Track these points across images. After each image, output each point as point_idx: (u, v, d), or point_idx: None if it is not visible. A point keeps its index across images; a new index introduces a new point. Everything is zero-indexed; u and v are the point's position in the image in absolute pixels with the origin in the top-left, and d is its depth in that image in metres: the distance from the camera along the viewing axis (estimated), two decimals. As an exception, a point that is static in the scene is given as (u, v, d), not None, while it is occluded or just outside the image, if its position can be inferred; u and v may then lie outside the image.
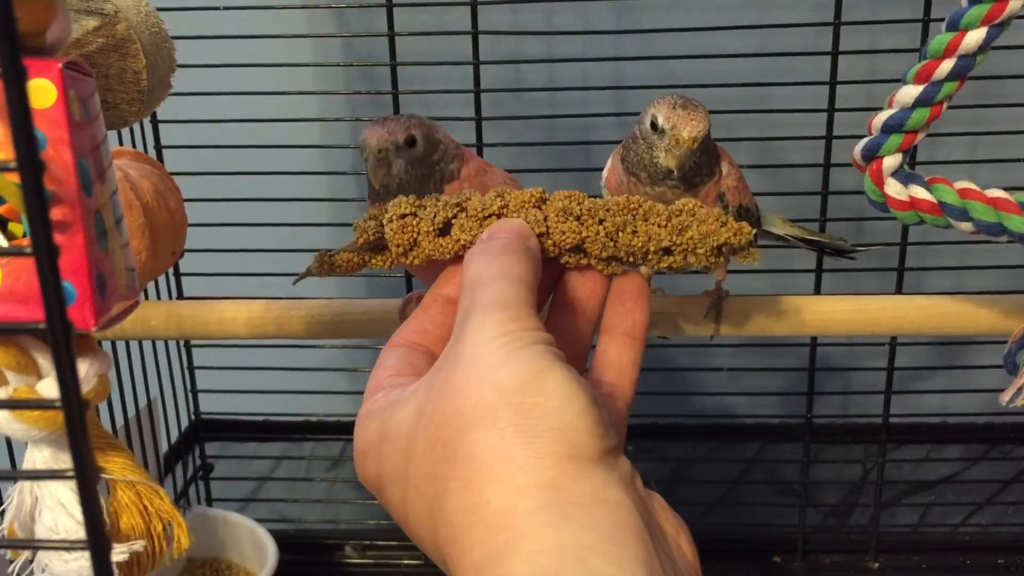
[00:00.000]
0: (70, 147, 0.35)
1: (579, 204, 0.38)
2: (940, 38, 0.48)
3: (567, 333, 0.38)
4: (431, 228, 0.39)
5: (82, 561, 0.37)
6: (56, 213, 0.36)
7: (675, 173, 0.57)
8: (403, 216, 0.39)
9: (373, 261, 0.41)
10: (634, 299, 0.38)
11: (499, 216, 0.38)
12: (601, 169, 0.80)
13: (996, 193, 0.50)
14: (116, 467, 0.40)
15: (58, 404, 0.26)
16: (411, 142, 0.55)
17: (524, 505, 0.28)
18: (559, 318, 0.38)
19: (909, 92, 0.49)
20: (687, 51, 0.84)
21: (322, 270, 0.42)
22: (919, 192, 0.51)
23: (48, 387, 0.37)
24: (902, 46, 0.82)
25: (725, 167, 0.61)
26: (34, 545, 0.34)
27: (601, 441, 0.30)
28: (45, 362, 0.38)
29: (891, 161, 0.51)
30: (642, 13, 0.92)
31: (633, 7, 0.92)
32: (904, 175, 0.51)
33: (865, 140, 0.51)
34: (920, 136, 0.51)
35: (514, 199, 0.38)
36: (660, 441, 0.98)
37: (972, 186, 0.51)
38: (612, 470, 0.30)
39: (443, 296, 0.38)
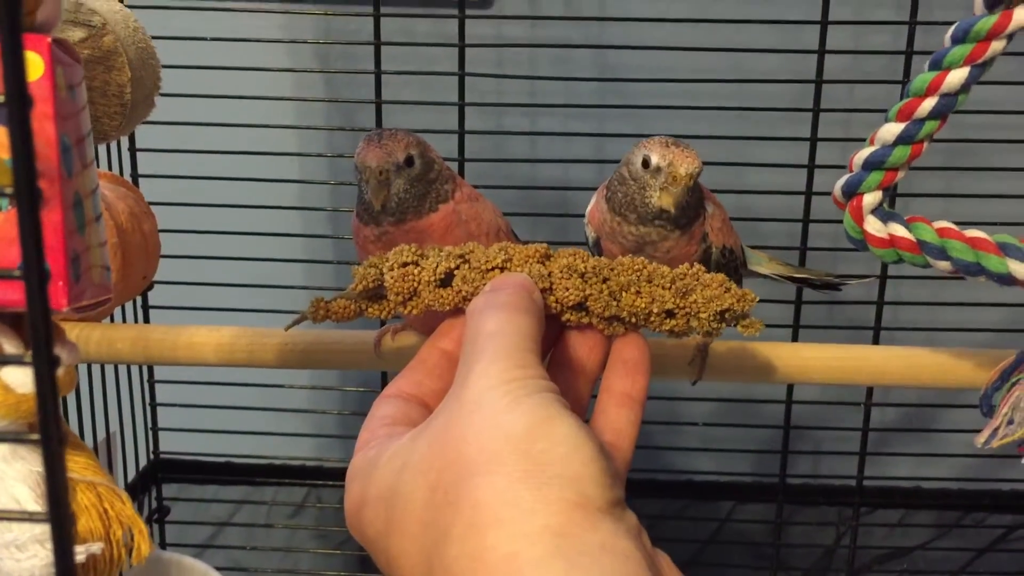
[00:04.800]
0: (54, 122, 0.34)
1: (583, 262, 0.38)
2: (922, 76, 0.48)
3: (565, 392, 0.37)
4: (432, 278, 0.38)
5: (35, 560, 0.35)
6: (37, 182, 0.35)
7: (672, 212, 0.57)
8: (404, 264, 0.39)
9: (370, 310, 0.41)
10: (635, 361, 0.38)
11: (502, 269, 0.38)
12: (577, 215, 0.81)
13: (974, 233, 0.51)
14: (77, 467, 0.39)
15: (28, 361, 0.25)
16: (409, 161, 0.55)
17: (531, 552, 0.27)
18: (557, 377, 0.38)
19: (891, 130, 0.50)
20: (662, 91, 0.86)
21: (317, 316, 0.41)
22: (898, 230, 0.51)
23: (12, 374, 0.36)
24: (885, 77, 0.84)
25: (710, 207, 0.61)
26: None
27: (609, 491, 0.29)
28: (11, 348, 0.36)
29: (871, 198, 0.51)
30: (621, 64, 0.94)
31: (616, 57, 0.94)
32: (883, 213, 0.52)
33: (846, 176, 0.51)
34: (901, 174, 0.51)
35: (518, 253, 0.38)
36: (633, 497, 0.96)
37: (951, 225, 0.51)
38: (620, 521, 0.29)
39: (440, 349, 0.38)
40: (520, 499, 0.28)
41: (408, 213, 0.56)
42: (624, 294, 0.38)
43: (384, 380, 0.90)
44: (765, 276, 0.69)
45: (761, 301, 0.73)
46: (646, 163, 0.57)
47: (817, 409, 0.97)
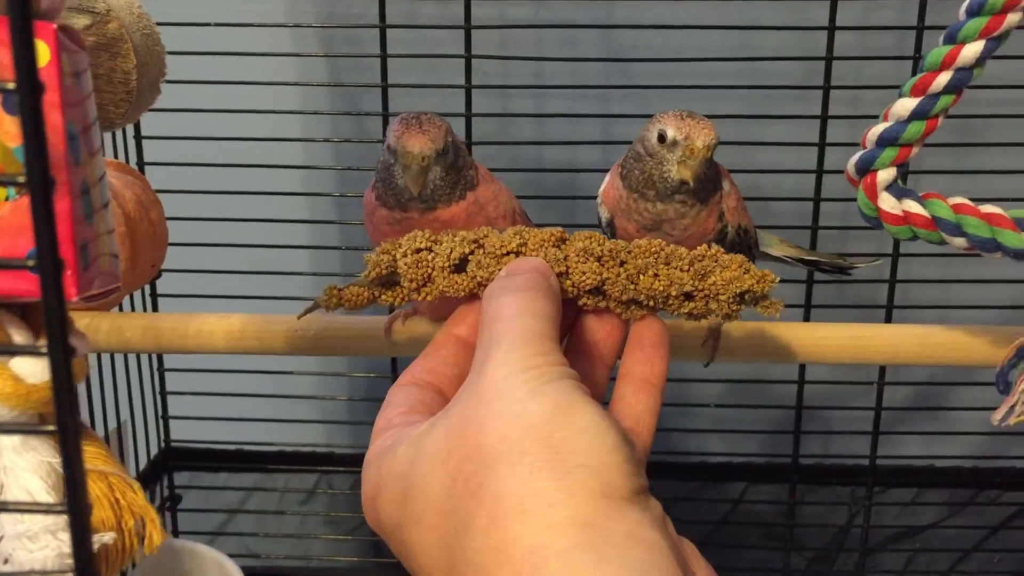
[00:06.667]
0: (60, 110, 0.34)
1: (600, 245, 0.38)
2: (937, 51, 0.48)
3: (583, 378, 0.37)
4: (446, 264, 0.38)
5: (47, 550, 0.35)
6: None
7: (691, 185, 0.56)
8: (418, 251, 0.38)
9: (383, 297, 0.40)
10: (653, 345, 0.37)
11: (517, 254, 0.37)
12: (585, 197, 0.79)
13: (990, 208, 0.50)
14: (88, 456, 0.38)
15: (43, 351, 0.25)
16: (446, 149, 0.55)
17: (557, 543, 0.27)
18: (575, 362, 0.37)
19: (905, 105, 0.49)
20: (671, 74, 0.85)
21: (330, 304, 0.40)
22: (913, 207, 0.51)
23: (22, 364, 0.35)
24: (895, 53, 0.84)
25: (726, 185, 0.60)
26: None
27: (633, 479, 0.29)
28: (20, 338, 0.36)
29: (885, 175, 0.51)
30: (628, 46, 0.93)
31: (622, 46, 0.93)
32: (898, 189, 0.51)
33: (859, 153, 0.51)
34: (915, 150, 0.50)
35: (533, 237, 0.38)
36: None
37: (966, 201, 0.51)
38: (645, 510, 0.29)
39: (455, 336, 0.37)
40: (544, 489, 0.28)
41: (439, 201, 0.56)
42: (642, 277, 0.37)
43: (394, 366, 0.90)
44: (776, 258, 0.68)
45: (781, 278, 0.73)
46: (662, 137, 0.56)
47: (829, 389, 0.97)
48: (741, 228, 0.61)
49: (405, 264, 0.38)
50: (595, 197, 0.64)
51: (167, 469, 0.96)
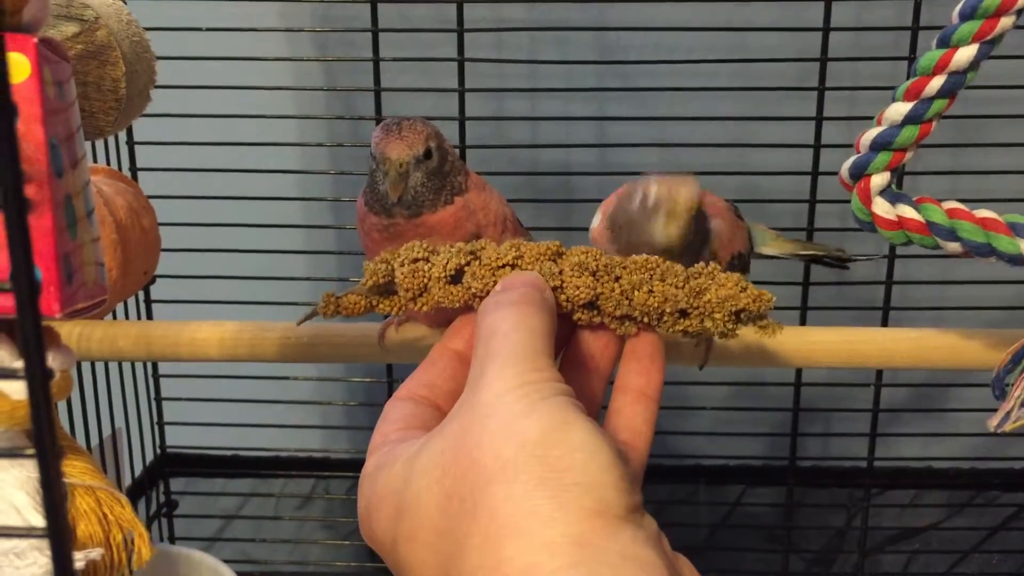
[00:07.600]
0: (42, 124, 0.33)
1: (595, 260, 0.37)
2: (930, 55, 0.47)
3: (579, 391, 0.36)
4: (442, 274, 0.38)
5: (34, 567, 0.34)
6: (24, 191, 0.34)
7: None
8: (415, 260, 0.39)
9: (381, 305, 0.40)
10: (650, 357, 0.37)
11: (513, 267, 0.37)
12: (581, 200, 0.80)
13: (985, 213, 0.50)
14: (75, 471, 0.38)
15: (21, 374, 0.25)
16: (428, 154, 0.55)
17: (551, 563, 0.27)
18: (571, 375, 0.37)
19: (898, 109, 0.49)
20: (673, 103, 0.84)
21: (327, 311, 0.40)
22: (907, 211, 0.51)
23: (7, 383, 0.35)
24: (890, 53, 0.83)
25: (714, 225, 0.58)
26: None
27: (628, 497, 0.29)
28: (5, 354, 0.36)
29: (879, 179, 0.51)
30: (628, 55, 0.93)
31: (616, 48, 0.93)
32: (892, 194, 0.51)
33: (853, 158, 0.50)
34: (909, 154, 0.50)
35: (529, 251, 0.38)
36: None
37: (961, 206, 0.50)
38: (640, 528, 0.29)
39: (451, 350, 0.37)
40: (538, 508, 0.28)
41: (423, 207, 0.55)
42: (636, 293, 0.37)
43: (390, 371, 0.90)
44: (772, 257, 0.68)
45: (768, 282, 0.72)
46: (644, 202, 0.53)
47: (826, 391, 0.96)
48: (735, 257, 0.60)
49: (402, 274, 0.38)
50: (590, 200, 0.63)
51: (163, 475, 0.96)
